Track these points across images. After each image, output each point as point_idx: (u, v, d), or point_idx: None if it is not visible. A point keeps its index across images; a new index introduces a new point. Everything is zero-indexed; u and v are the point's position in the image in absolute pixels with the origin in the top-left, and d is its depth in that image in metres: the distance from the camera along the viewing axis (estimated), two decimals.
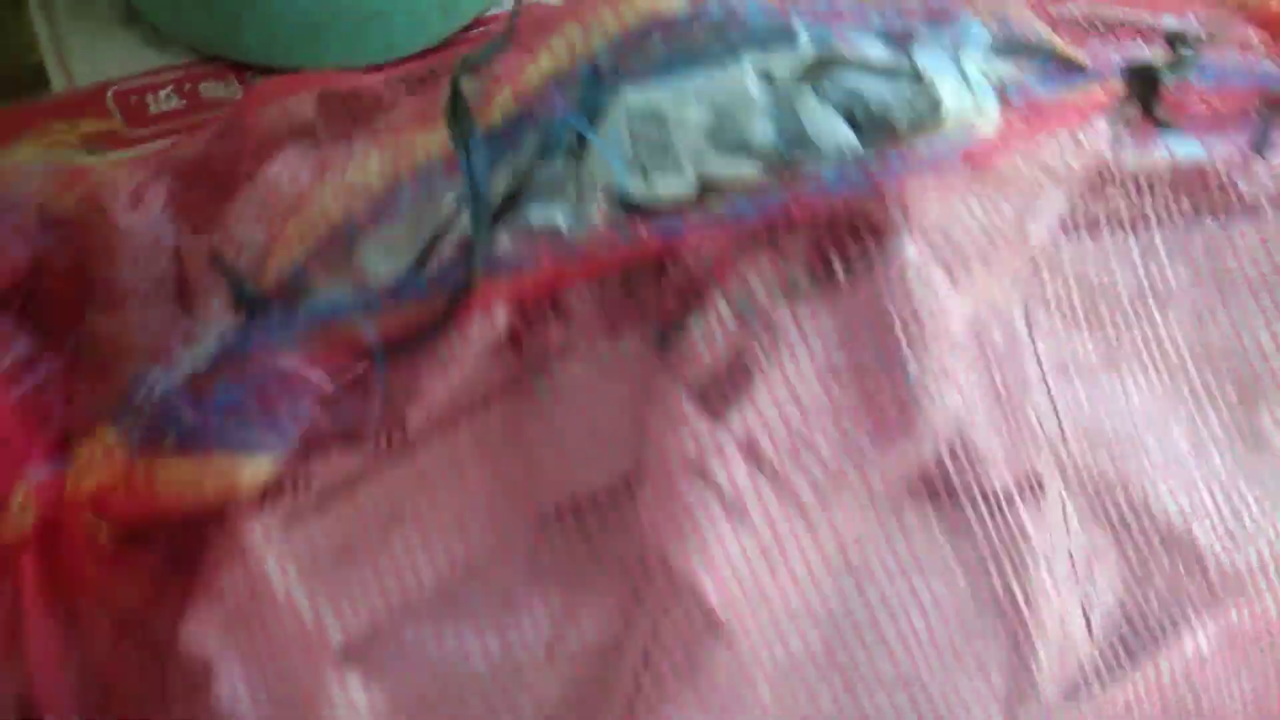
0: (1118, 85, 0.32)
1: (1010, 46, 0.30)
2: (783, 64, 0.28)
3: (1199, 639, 0.34)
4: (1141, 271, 0.33)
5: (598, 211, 0.28)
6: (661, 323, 0.29)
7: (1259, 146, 0.34)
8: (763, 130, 0.28)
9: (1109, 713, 0.33)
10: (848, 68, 0.28)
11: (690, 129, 0.28)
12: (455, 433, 0.30)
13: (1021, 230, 0.30)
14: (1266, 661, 0.35)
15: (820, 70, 0.28)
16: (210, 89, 0.54)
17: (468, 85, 0.30)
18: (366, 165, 0.32)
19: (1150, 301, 0.33)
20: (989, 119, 0.29)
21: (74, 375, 0.32)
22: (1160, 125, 0.33)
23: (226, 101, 0.53)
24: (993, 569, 0.30)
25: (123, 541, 0.30)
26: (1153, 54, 0.33)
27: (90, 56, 0.54)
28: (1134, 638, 0.34)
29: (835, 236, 0.28)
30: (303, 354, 0.29)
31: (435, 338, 0.28)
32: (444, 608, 0.30)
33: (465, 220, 0.29)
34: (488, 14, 0.59)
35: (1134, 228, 0.33)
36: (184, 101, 0.53)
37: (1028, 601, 0.31)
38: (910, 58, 0.29)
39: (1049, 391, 0.32)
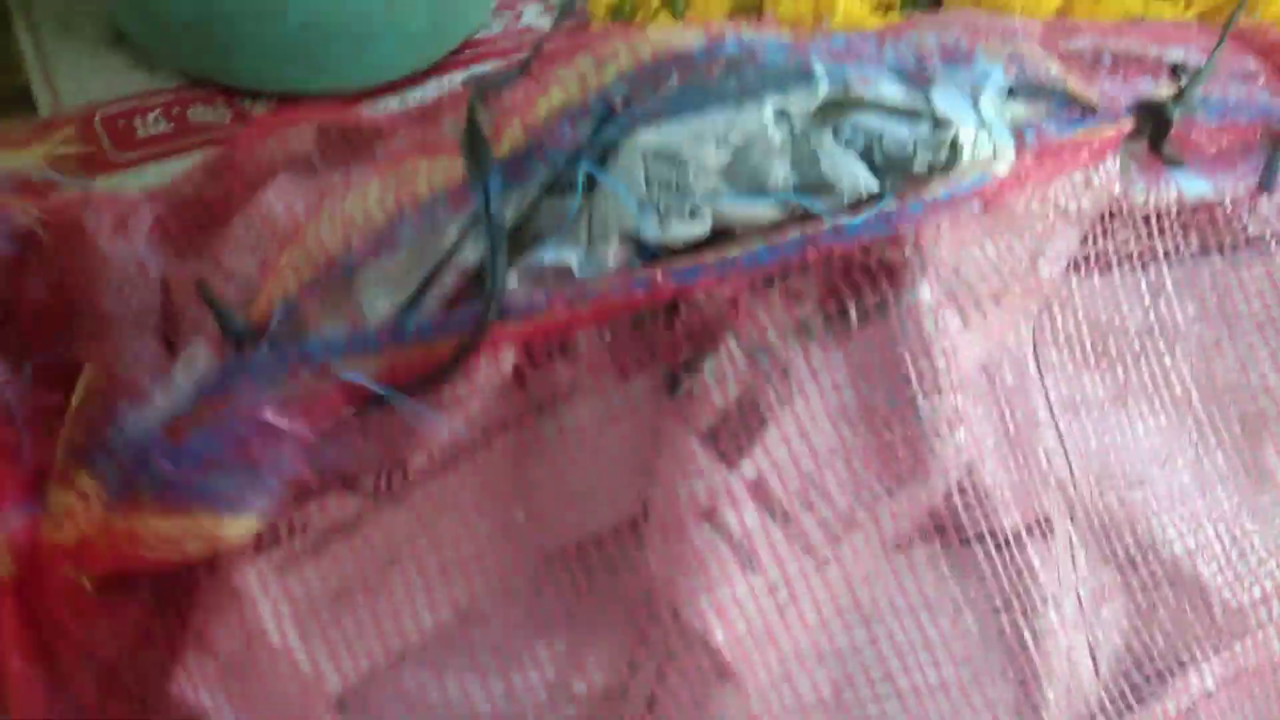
0: (1127, 123, 0.32)
1: (1025, 88, 0.30)
2: (800, 104, 0.28)
3: (1204, 675, 0.34)
4: (1150, 308, 0.33)
5: (611, 253, 0.27)
6: (671, 364, 0.29)
7: (1266, 183, 0.34)
8: (780, 172, 0.27)
9: None
10: (866, 109, 0.28)
11: (707, 170, 0.27)
12: (457, 474, 0.29)
13: (1034, 270, 0.30)
14: (1270, 694, 0.35)
15: (838, 111, 0.28)
16: (199, 113, 0.53)
17: (481, 117, 0.29)
18: (366, 195, 0.31)
19: (1158, 338, 0.33)
20: (1005, 160, 0.29)
21: (47, 405, 0.31)
22: (1168, 162, 0.32)
23: (215, 126, 0.53)
24: (1001, 609, 0.30)
25: (105, 589, 0.29)
26: (1160, 89, 0.33)
27: (77, 79, 0.53)
28: (1140, 676, 0.33)
29: (849, 278, 0.28)
30: (292, 396, 0.28)
31: (441, 381, 0.27)
32: (445, 652, 0.29)
33: (468, 253, 0.29)
34: (476, 36, 0.58)
35: (1143, 265, 0.33)
36: (172, 125, 0.52)
37: (1036, 642, 0.30)
38: (929, 99, 0.29)
39: (1058, 430, 0.31)
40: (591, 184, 0.28)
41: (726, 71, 0.28)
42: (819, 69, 0.28)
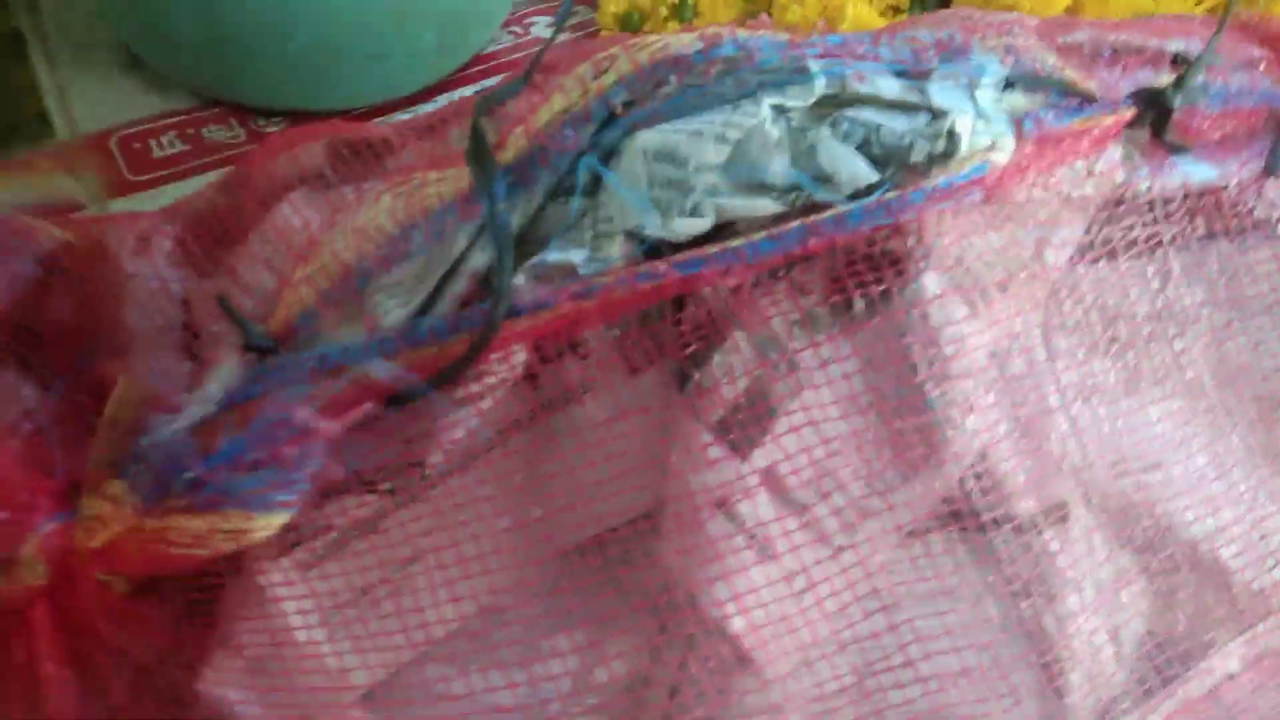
0: (1128, 112, 0.32)
1: (1023, 79, 0.30)
2: (798, 100, 0.28)
3: (1226, 657, 0.34)
4: (1159, 294, 0.33)
5: (616, 251, 0.28)
6: (680, 359, 0.29)
7: (1271, 167, 0.34)
8: (780, 167, 0.28)
9: None
10: (863, 103, 0.28)
11: (707, 167, 0.28)
12: (473, 472, 0.30)
13: (1040, 258, 0.30)
14: None
15: (836, 106, 0.28)
16: (213, 133, 0.54)
17: (485, 127, 0.30)
18: (378, 207, 0.32)
19: (1168, 323, 0.33)
20: (1004, 150, 0.29)
21: (77, 420, 0.32)
22: (1172, 149, 0.33)
23: (229, 145, 0.53)
24: (1021, 595, 0.30)
25: (136, 593, 0.29)
26: (1160, 79, 0.33)
27: (93, 103, 0.54)
28: (1162, 659, 0.33)
29: (853, 269, 0.28)
30: (314, 400, 0.28)
31: (455, 379, 0.28)
32: (467, 647, 0.30)
33: (477, 258, 0.29)
34: (486, 51, 0.59)
35: (1150, 251, 0.33)
36: (187, 146, 0.53)
37: (1057, 627, 0.30)
38: (925, 92, 0.29)
39: (1071, 417, 0.31)
40: (594, 185, 0.28)
41: (724, 72, 0.28)
42: (815, 66, 0.28)
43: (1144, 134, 0.33)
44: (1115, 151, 0.32)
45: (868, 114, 0.28)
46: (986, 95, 0.29)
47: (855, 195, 0.28)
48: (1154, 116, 0.32)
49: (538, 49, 0.32)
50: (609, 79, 0.29)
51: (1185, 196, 0.34)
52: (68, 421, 0.31)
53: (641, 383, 0.29)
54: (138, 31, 0.54)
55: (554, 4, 0.62)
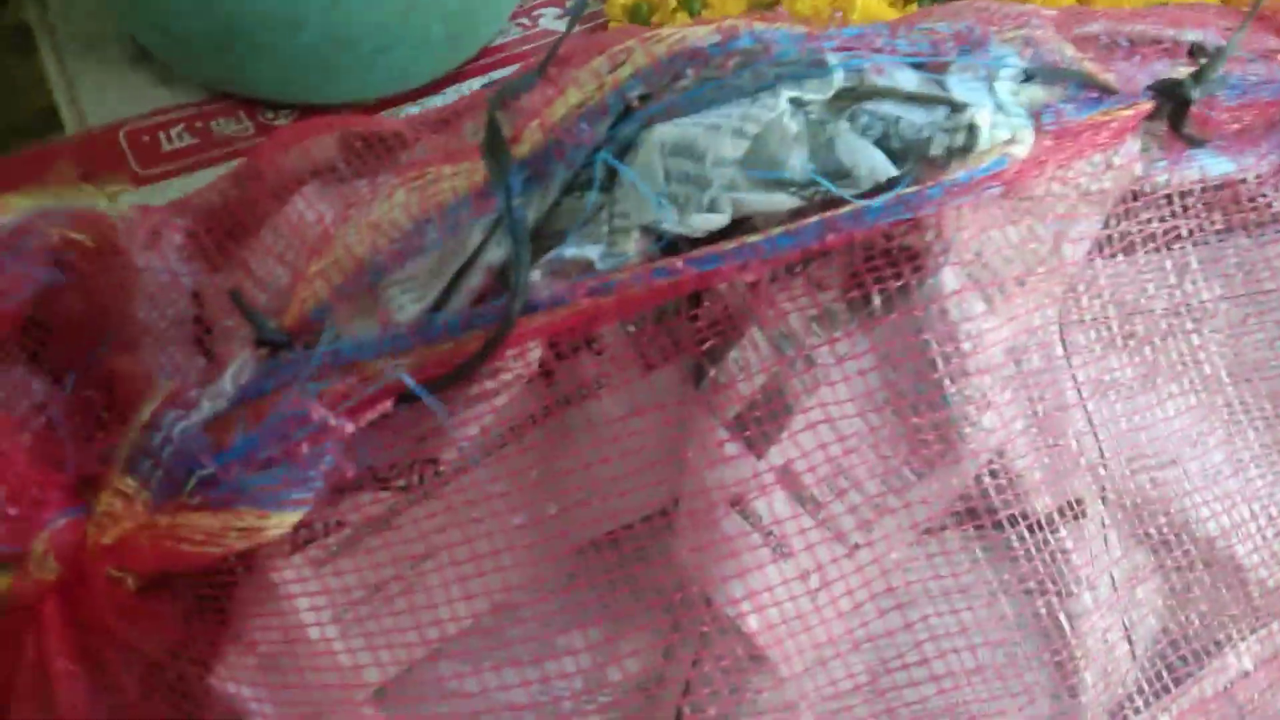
0: (1147, 104, 0.31)
1: (1042, 72, 0.30)
2: (816, 94, 0.28)
3: (1241, 655, 0.34)
4: (1176, 289, 0.33)
5: (632, 246, 0.27)
6: (696, 355, 0.29)
7: None
8: (798, 161, 0.27)
9: None
10: (882, 96, 0.28)
11: (724, 161, 0.27)
12: (488, 468, 0.30)
13: (1057, 252, 0.30)
14: None
15: (854, 99, 0.28)
16: (222, 126, 0.54)
17: (500, 120, 0.30)
18: (392, 201, 0.31)
19: (1185, 318, 0.33)
20: (1023, 143, 0.29)
21: (87, 415, 0.32)
22: (1190, 142, 0.32)
23: (238, 138, 0.53)
24: (1036, 593, 0.30)
25: (147, 589, 0.29)
26: (1178, 71, 0.33)
27: (101, 97, 0.54)
28: (1176, 657, 0.33)
29: (871, 265, 0.28)
30: (331, 395, 0.28)
31: (470, 376, 0.28)
32: (480, 644, 0.30)
33: (492, 253, 0.29)
34: (494, 43, 0.59)
35: (1168, 245, 0.33)
36: (196, 139, 0.53)
37: (1071, 625, 0.30)
38: (944, 85, 0.29)
39: (1087, 413, 0.31)
40: (610, 180, 0.28)
41: (741, 65, 0.28)
42: (833, 59, 0.28)
43: (1162, 126, 0.32)
44: (1133, 144, 0.32)
45: (886, 107, 0.28)
46: (1005, 88, 0.29)
47: (874, 190, 0.27)
48: (1172, 109, 0.32)
49: (547, 41, 0.32)
50: (625, 72, 0.28)
51: (1203, 190, 0.33)
52: (78, 416, 0.31)
53: (657, 379, 0.29)
54: (146, 25, 0.54)
55: None
